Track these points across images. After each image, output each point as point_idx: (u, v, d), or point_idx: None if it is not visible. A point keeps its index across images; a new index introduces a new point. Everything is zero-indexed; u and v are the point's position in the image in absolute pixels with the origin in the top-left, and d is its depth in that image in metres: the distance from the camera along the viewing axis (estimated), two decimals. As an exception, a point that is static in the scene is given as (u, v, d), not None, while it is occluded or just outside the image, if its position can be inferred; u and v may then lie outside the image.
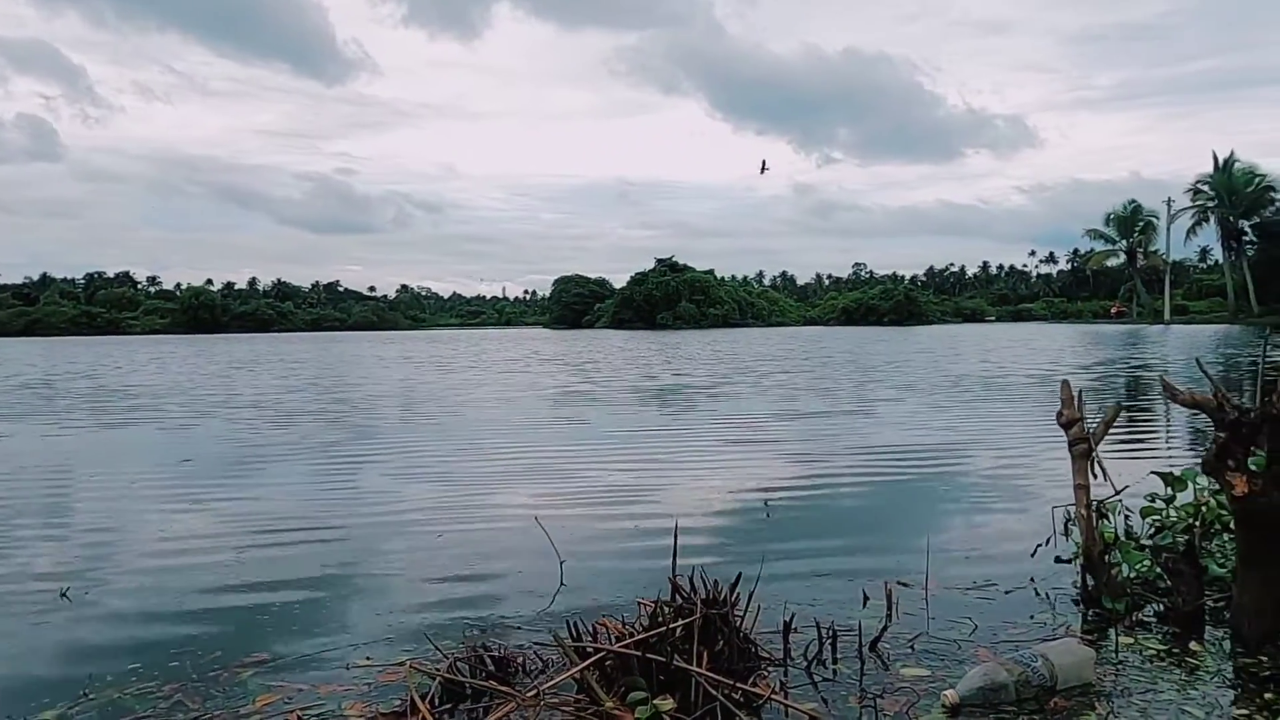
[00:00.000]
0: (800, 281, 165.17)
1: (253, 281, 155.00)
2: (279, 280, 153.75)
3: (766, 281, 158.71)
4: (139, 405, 15.10)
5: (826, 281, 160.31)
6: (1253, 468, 3.28)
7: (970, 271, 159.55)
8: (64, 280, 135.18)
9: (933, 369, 21.31)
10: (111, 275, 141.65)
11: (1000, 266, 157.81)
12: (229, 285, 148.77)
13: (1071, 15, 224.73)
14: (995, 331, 61.70)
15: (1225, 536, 4.44)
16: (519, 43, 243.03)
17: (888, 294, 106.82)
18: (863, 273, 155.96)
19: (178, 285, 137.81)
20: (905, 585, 4.09)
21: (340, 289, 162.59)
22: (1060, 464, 5.14)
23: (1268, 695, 2.87)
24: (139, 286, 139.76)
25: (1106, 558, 3.87)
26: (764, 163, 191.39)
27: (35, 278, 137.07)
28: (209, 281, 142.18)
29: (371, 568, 4.79)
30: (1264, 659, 3.13)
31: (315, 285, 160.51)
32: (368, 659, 3.39)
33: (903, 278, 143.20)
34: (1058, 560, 4.48)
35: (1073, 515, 4.10)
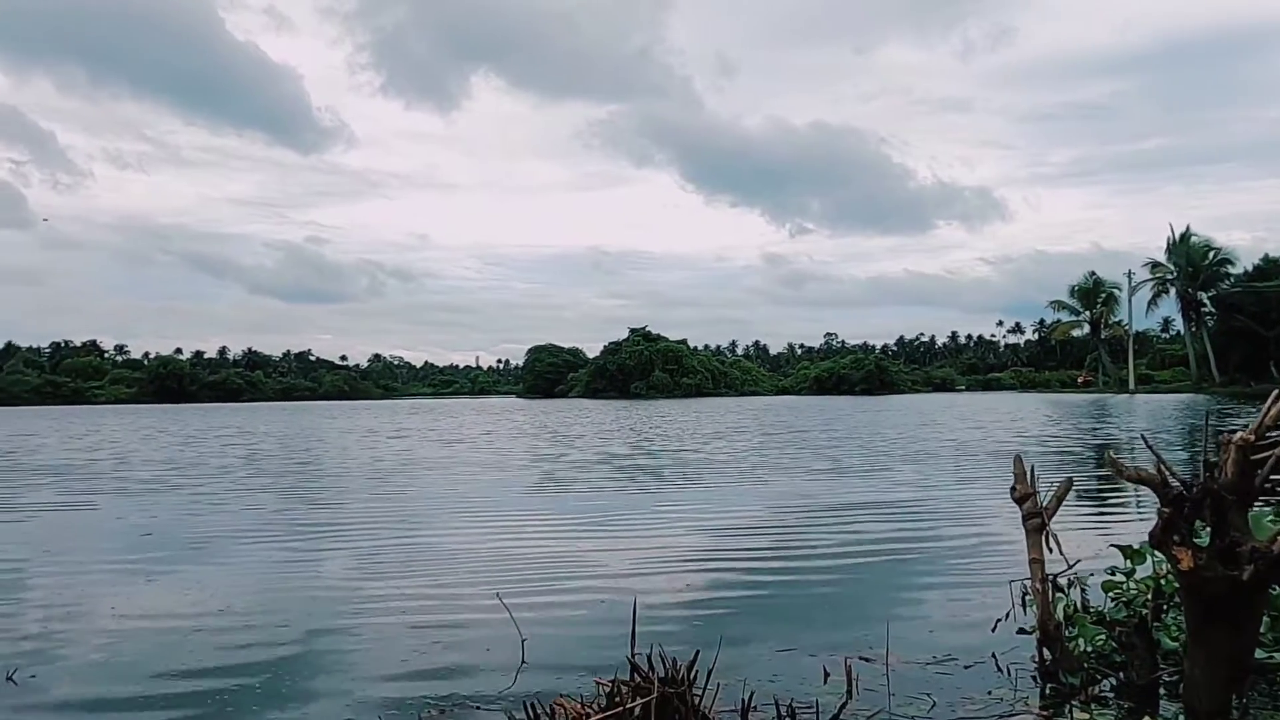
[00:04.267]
0: (773, 351, 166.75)
1: (223, 350, 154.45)
2: (249, 349, 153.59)
3: (740, 351, 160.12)
4: (97, 475, 14.82)
5: (799, 351, 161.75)
6: (1198, 542, 3.36)
7: (940, 341, 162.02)
8: (29, 349, 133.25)
9: (905, 440, 21.46)
10: (78, 344, 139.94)
11: (969, 336, 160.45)
12: (198, 354, 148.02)
13: (1023, 96, 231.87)
14: (966, 401, 62.31)
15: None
16: (494, 114, 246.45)
17: (859, 364, 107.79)
18: (834, 342, 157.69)
19: (145, 354, 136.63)
20: (866, 660, 4.10)
21: (312, 358, 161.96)
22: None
23: (1218, 770, 2.90)
24: (106, 355, 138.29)
25: (1063, 632, 3.92)
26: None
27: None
28: (178, 350, 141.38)
29: (330, 649, 4.71)
30: (1215, 733, 3.17)
31: (286, 354, 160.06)
32: (322, 743, 3.33)
33: (874, 347, 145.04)
34: (1020, 632, 4.50)
35: (1029, 589, 4.15)
